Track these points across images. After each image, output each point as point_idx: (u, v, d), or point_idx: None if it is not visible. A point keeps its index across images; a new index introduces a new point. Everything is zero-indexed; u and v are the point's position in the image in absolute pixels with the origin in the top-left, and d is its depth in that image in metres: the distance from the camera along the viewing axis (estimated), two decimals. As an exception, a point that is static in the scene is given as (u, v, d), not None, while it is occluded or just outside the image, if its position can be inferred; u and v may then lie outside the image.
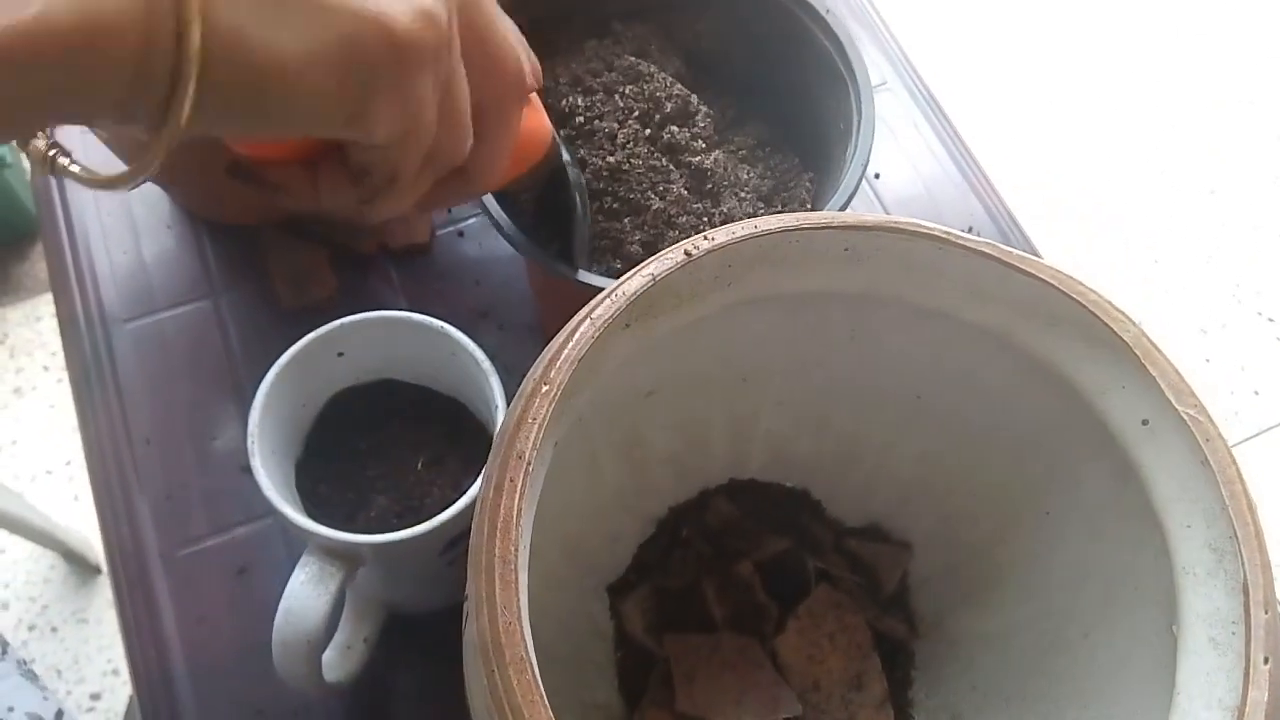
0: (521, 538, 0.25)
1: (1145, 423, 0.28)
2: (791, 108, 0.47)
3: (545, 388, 0.26)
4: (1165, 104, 1.54)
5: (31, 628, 1.01)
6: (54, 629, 1.02)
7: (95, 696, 1.00)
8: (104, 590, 1.06)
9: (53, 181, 0.56)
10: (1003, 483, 0.39)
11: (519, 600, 0.24)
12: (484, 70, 0.29)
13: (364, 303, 0.52)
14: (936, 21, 1.57)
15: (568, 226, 0.40)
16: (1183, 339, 1.33)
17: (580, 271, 0.39)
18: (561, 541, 0.40)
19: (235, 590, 0.46)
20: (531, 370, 0.27)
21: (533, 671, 0.23)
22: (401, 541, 0.36)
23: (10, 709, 0.34)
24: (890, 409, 0.41)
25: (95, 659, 1.02)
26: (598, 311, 0.27)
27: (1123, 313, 0.28)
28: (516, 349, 0.49)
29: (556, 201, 0.40)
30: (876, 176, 0.57)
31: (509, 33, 0.30)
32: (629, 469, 0.42)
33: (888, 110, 0.59)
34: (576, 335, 0.27)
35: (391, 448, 0.42)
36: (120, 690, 1.01)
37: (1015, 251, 0.29)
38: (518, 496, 0.25)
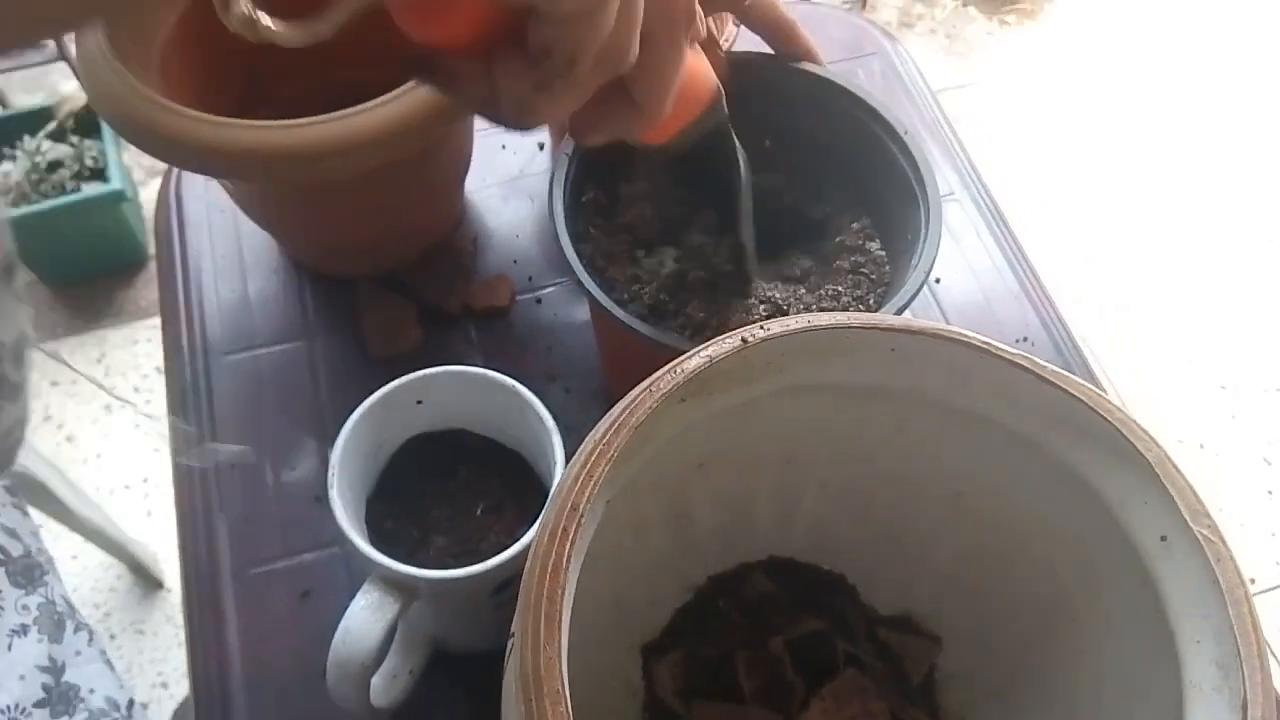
0: (568, 582, 0.27)
1: (1163, 539, 0.30)
2: (869, 212, 0.51)
3: (605, 449, 0.29)
4: (1236, 230, 1.54)
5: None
6: (112, 636, 1.07)
7: (143, 705, 1.03)
8: (163, 605, 1.11)
9: (173, 217, 0.61)
10: (1035, 588, 0.40)
11: (560, 638, 0.26)
12: None
13: (445, 357, 0.55)
14: (1008, 136, 1.60)
15: (731, 186, 0.41)
16: (1245, 468, 1.31)
17: (644, 327, 0.42)
18: (603, 598, 0.42)
19: (298, 611, 0.49)
20: (593, 432, 0.30)
21: (567, 705, 0.25)
22: (455, 579, 0.38)
23: (91, 690, 0.37)
24: (931, 504, 0.43)
25: (147, 670, 1.06)
26: (658, 384, 0.30)
27: (1146, 432, 0.30)
28: (579, 412, 0.53)
29: (717, 160, 0.41)
30: (938, 281, 0.60)
31: None
32: (675, 536, 0.44)
33: (953, 218, 0.62)
34: (636, 403, 0.30)
35: (456, 493, 0.45)
36: (166, 704, 1.04)
37: (1049, 366, 0.31)
38: (569, 544, 0.27)
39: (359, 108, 0.44)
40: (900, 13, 1.71)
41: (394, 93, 0.45)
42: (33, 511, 0.85)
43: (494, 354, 0.56)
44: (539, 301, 0.58)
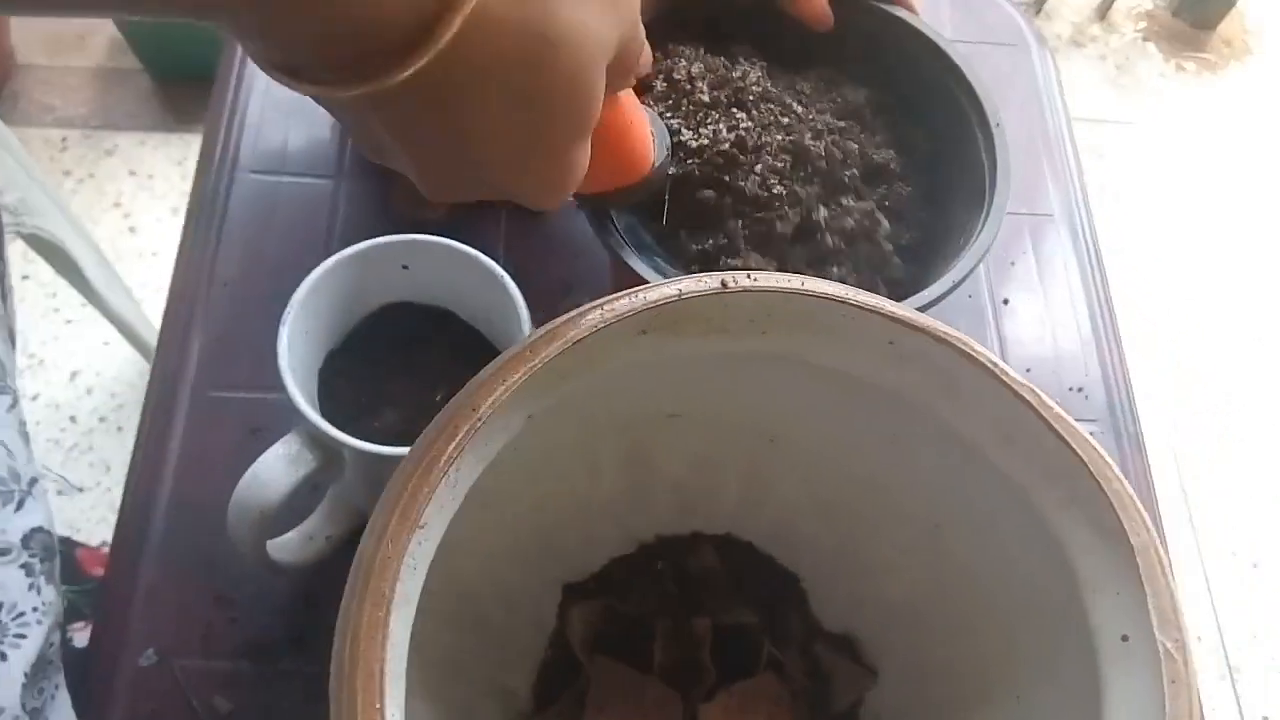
0: (440, 487, 0.24)
1: (1125, 638, 0.26)
2: (934, 193, 0.46)
3: (528, 354, 0.26)
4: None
5: (102, 419, 1.08)
6: (119, 428, 1.09)
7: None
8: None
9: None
10: (985, 651, 0.36)
11: (409, 546, 0.23)
12: None
13: (465, 236, 0.52)
14: (1151, 186, 1.49)
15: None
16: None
17: (631, 257, 0.38)
18: (536, 523, 0.39)
19: (242, 446, 0.47)
20: (526, 336, 0.27)
21: (386, 614, 0.22)
22: (378, 455, 0.36)
23: None
24: (906, 528, 0.39)
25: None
26: (613, 305, 0.27)
27: (1142, 514, 0.25)
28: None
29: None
30: (1005, 302, 0.55)
31: None
32: (631, 481, 0.41)
33: (1044, 242, 0.57)
34: (582, 316, 0.26)
35: (422, 370, 0.43)
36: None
37: (1056, 408, 0.27)
38: (451, 444, 0.24)
39: None
40: (1075, 29, 1.60)
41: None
42: (62, 287, 0.86)
43: (517, 247, 0.53)
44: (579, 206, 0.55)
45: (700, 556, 0.43)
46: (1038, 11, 1.59)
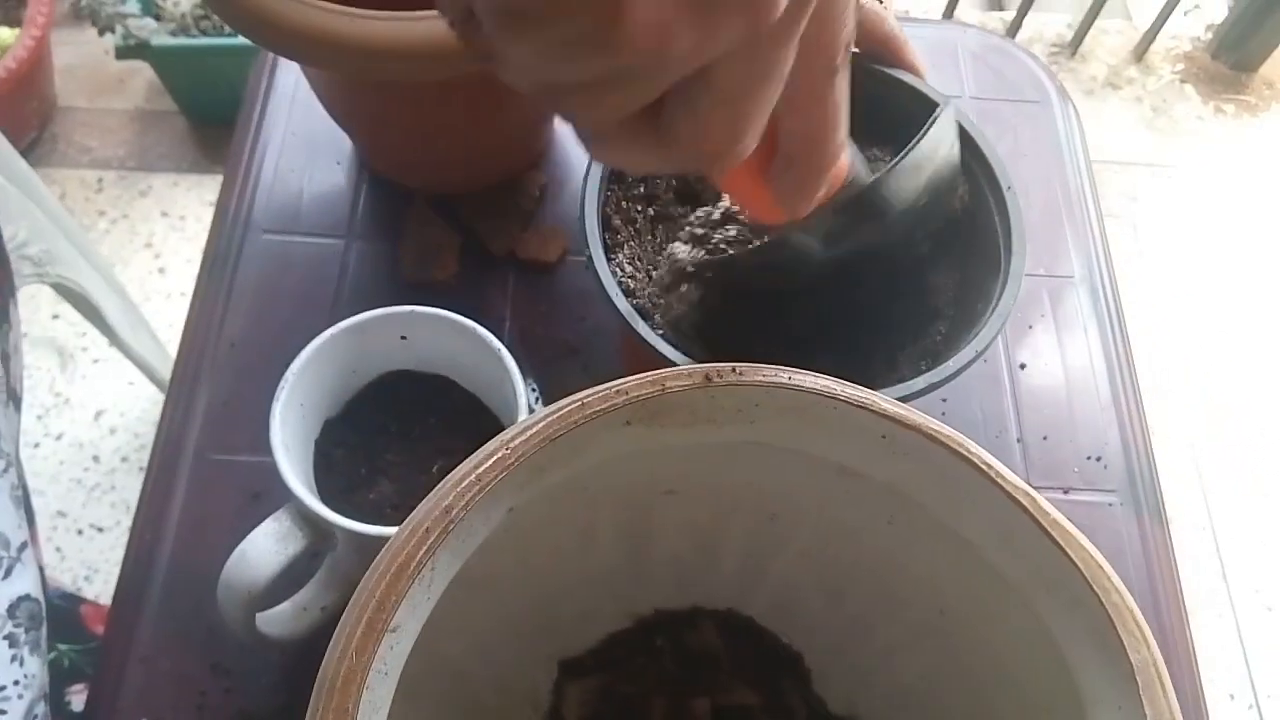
0: (411, 593, 0.24)
1: (1128, 757, 0.25)
2: (956, 267, 0.45)
3: (504, 457, 0.25)
4: None
5: (124, 459, 1.09)
6: (141, 469, 1.09)
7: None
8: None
9: (263, 82, 0.60)
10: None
11: (373, 660, 0.23)
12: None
13: (474, 296, 0.52)
14: (1187, 232, 1.45)
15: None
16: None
17: (653, 337, 0.38)
18: (529, 599, 0.38)
19: (243, 511, 0.47)
20: (503, 434, 0.26)
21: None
22: (368, 536, 0.35)
23: None
24: (913, 610, 0.37)
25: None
26: (592, 400, 0.26)
27: (1142, 630, 0.24)
28: (586, 395, 0.49)
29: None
30: (1022, 367, 0.53)
31: None
32: (629, 554, 0.40)
33: (1063, 305, 0.55)
34: (561, 415, 0.26)
35: (419, 441, 0.42)
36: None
37: (1053, 513, 0.26)
38: (422, 550, 0.24)
39: (427, 13, 0.40)
40: (1110, 71, 1.58)
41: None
42: (90, 327, 0.87)
43: (524, 308, 0.52)
44: (588, 268, 0.54)
45: (700, 633, 0.42)
46: (1073, 54, 1.57)
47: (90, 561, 1.02)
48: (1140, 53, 1.59)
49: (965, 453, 0.27)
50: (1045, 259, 0.57)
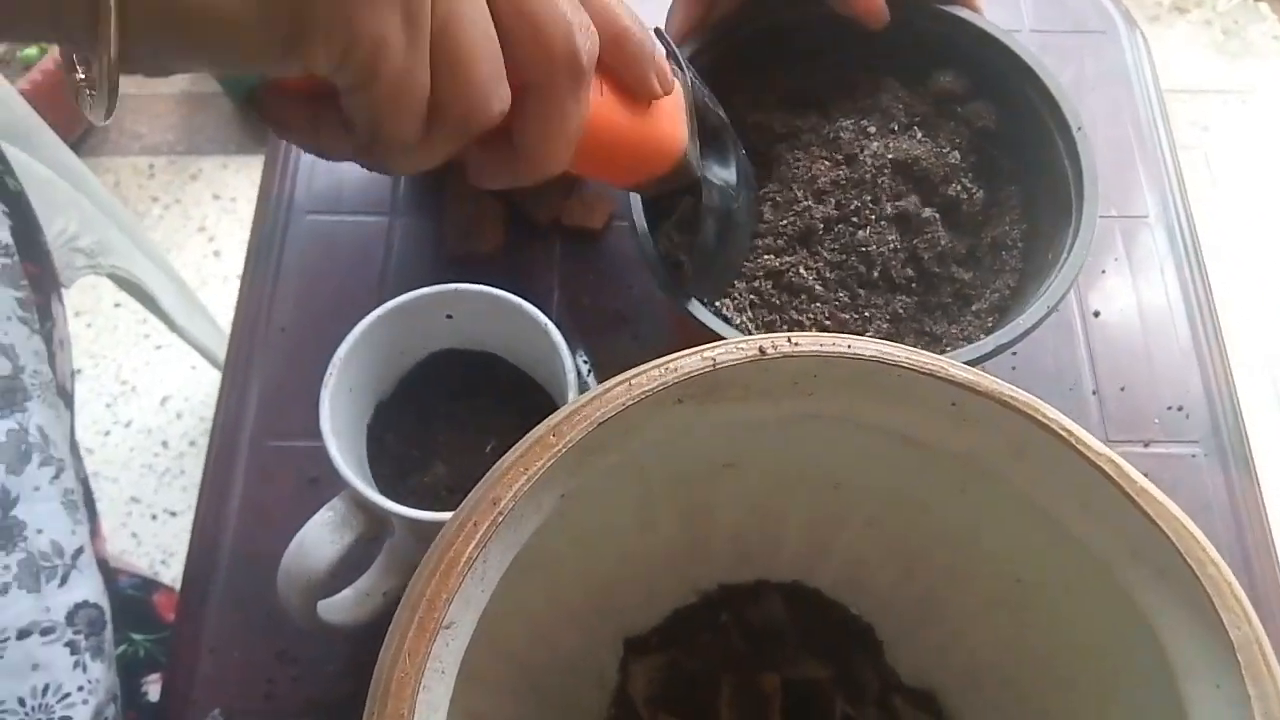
0: (464, 588, 0.23)
1: (1231, 738, 0.23)
2: (1024, 216, 0.43)
3: (550, 441, 0.24)
4: None
5: (192, 443, 1.11)
6: (209, 451, 1.11)
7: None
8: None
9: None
10: (1077, 716, 0.33)
11: (429, 654, 0.22)
12: (520, 39, 0.27)
13: (520, 267, 0.51)
14: (1269, 161, 1.38)
15: (690, 251, 0.38)
16: None
17: (693, 303, 0.37)
18: (590, 580, 0.38)
19: (301, 496, 0.47)
20: (549, 418, 0.25)
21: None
22: (424, 522, 0.35)
23: (39, 530, 0.36)
24: (987, 580, 0.36)
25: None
26: (639, 380, 0.25)
27: (1240, 602, 0.22)
28: (639, 362, 0.48)
29: (691, 222, 0.38)
30: (1096, 315, 0.51)
31: (559, 4, 0.27)
32: (690, 530, 0.39)
33: (1138, 246, 0.52)
34: (606, 396, 0.25)
35: (471, 421, 0.42)
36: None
37: (1140, 481, 0.24)
38: (471, 544, 0.23)
39: None
40: (1177, -7, 1.50)
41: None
42: (153, 318, 0.88)
43: (571, 277, 0.51)
44: (634, 229, 0.53)
45: (766, 606, 0.41)
46: (1133, -24, 1.50)
47: (166, 546, 1.05)
48: (1209, -29, 1.51)
49: (1043, 419, 0.25)
50: (1117, 198, 0.54)
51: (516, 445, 0.25)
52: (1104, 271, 0.52)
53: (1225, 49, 1.45)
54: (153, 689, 0.47)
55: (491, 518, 0.24)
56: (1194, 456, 0.48)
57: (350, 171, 0.55)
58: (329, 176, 0.55)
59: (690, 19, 0.43)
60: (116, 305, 1.19)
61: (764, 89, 0.45)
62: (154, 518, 1.06)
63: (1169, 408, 0.48)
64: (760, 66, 0.45)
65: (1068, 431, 0.25)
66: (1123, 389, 0.49)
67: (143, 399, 1.14)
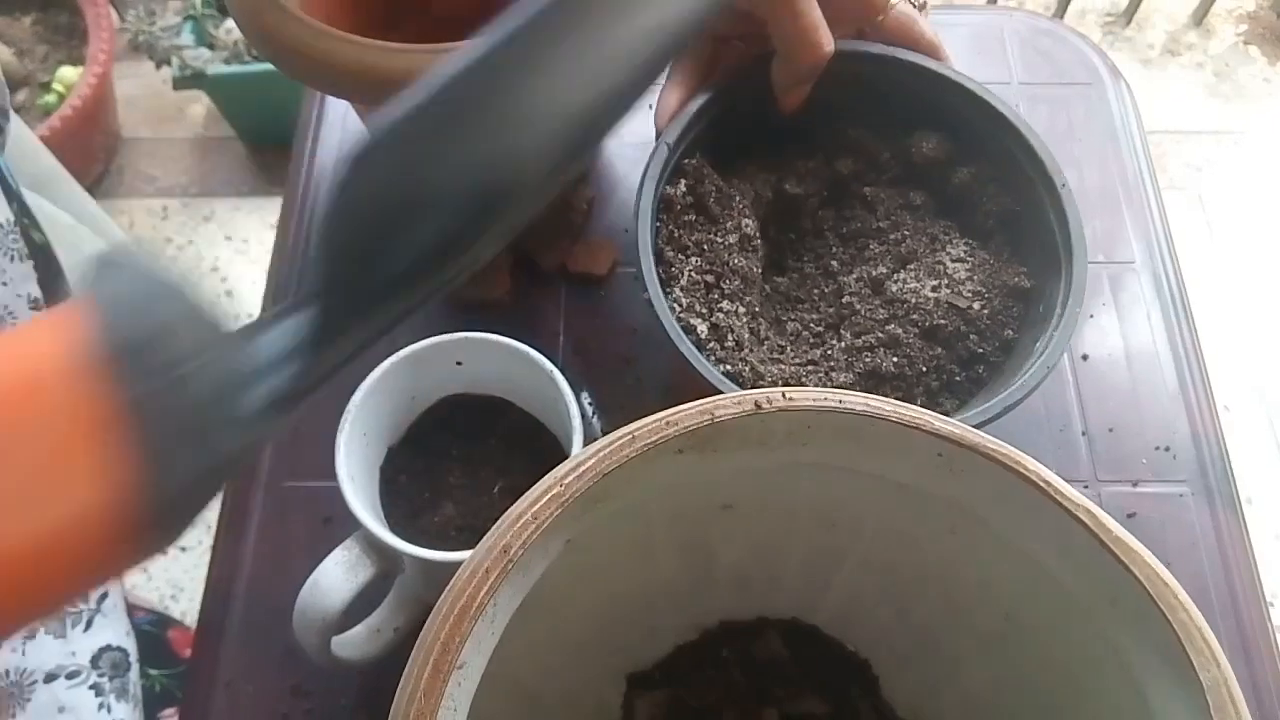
0: (475, 631, 0.24)
1: (1202, 774, 0.24)
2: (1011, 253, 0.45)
3: (559, 493, 0.26)
4: None
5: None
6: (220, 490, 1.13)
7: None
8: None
9: (315, 109, 0.61)
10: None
11: (443, 694, 0.23)
12: None
13: (528, 312, 0.53)
14: (1257, 202, 1.40)
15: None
16: None
17: (705, 368, 0.38)
18: (594, 617, 0.39)
19: (316, 536, 0.48)
20: (556, 470, 0.27)
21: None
22: (436, 562, 0.36)
23: None
24: (979, 617, 0.37)
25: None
26: (641, 433, 0.27)
27: (1210, 646, 0.24)
28: (639, 405, 0.49)
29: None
30: (1084, 358, 0.52)
31: None
32: (690, 568, 0.40)
33: (1124, 292, 0.54)
34: (609, 449, 0.26)
35: (481, 464, 0.43)
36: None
37: (1115, 528, 0.26)
38: (483, 590, 0.24)
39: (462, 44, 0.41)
40: (1169, 38, 1.53)
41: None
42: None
43: (575, 322, 0.53)
44: (638, 278, 0.55)
45: (766, 643, 0.43)
46: (1128, 23, 1.53)
47: (175, 580, 1.06)
48: (1200, 16, 1.53)
49: (1022, 470, 0.26)
50: (1104, 245, 0.56)
51: (525, 495, 0.27)
52: (1092, 316, 0.54)
53: (1217, 91, 1.48)
54: (169, 724, 0.49)
55: (502, 566, 0.25)
56: (1181, 496, 0.49)
57: (363, 220, 0.57)
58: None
59: (681, 101, 0.45)
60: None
61: (760, 166, 0.47)
62: (164, 553, 1.07)
63: (1156, 448, 0.50)
64: (747, 146, 0.47)
65: (1045, 482, 0.26)
66: (1111, 430, 0.50)
67: (153, 437, 1.16)
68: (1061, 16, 1.44)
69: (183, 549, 1.08)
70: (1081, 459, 0.49)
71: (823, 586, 0.41)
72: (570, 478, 0.26)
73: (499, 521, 0.26)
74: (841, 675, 0.42)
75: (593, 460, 0.26)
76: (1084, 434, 0.50)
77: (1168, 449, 0.50)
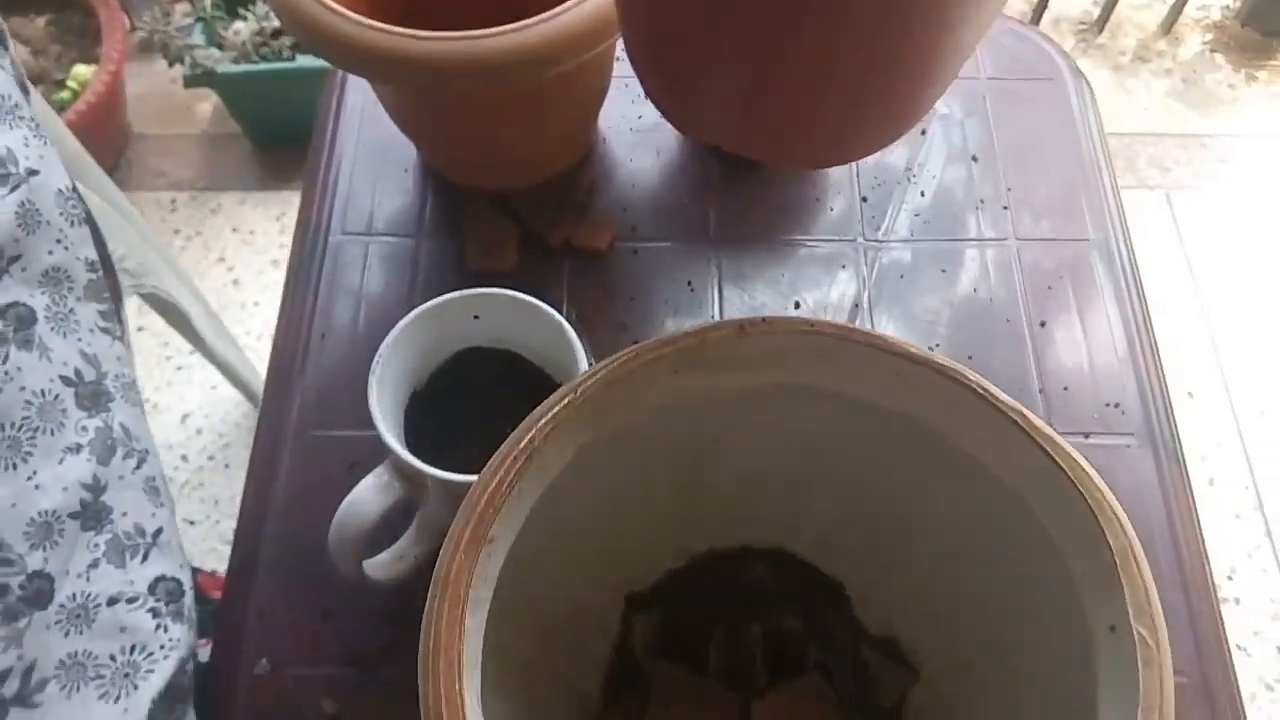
0: (507, 511, 0.29)
1: (1112, 629, 0.29)
2: None
3: (576, 396, 0.30)
4: None
5: (211, 457, 1.17)
6: (226, 465, 1.17)
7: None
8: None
9: (334, 101, 0.66)
10: (1015, 646, 0.39)
11: (477, 567, 0.28)
12: None
13: (533, 283, 0.58)
14: (1214, 202, 1.47)
15: None
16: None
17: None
18: (598, 539, 0.44)
19: (342, 480, 0.52)
20: (570, 381, 0.31)
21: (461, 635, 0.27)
22: (456, 482, 0.41)
23: (124, 514, 0.42)
24: (933, 537, 0.42)
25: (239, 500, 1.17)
26: (644, 350, 0.31)
27: (1120, 518, 0.29)
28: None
29: None
30: (1042, 325, 0.58)
31: None
32: (684, 498, 0.45)
33: (1080, 267, 0.59)
34: (619, 361, 0.31)
35: (494, 408, 0.48)
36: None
37: (1044, 427, 0.31)
38: (511, 473, 0.29)
39: (541, 17, 0.45)
40: (1140, 45, 1.60)
41: (569, 3, 0.46)
42: (173, 337, 0.94)
43: (579, 292, 0.58)
44: (635, 253, 0.60)
45: (751, 568, 0.47)
46: (1100, 30, 1.59)
47: (185, 551, 1.10)
48: (1169, 25, 1.60)
49: (965, 380, 0.31)
50: (1063, 225, 0.61)
51: (545, 401, 0.32)
52: (1050, 288, 0.59)
53: (1185, 96, 1.54)
54: (202, 651, 0.53)
55: (526, 454, 0.30)
56: (1129, 447, 0.54)
57: (380, 198, 0.61)
58: (361, 203, 0.61)
59: None
60: (140, 329, 1.26)
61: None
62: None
63: (1107, 405, 0.55)
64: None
65: (984, 389, 0.31)
66: (1066, 388, 0.55)
67: (164, 416, 1.21)
68: (1037, 23, 1.50)
69: (191, 523, 1.12)
70: (1038, 412, 0.54)
71: (803, 514, 0.46)
72: (582, 385, 0.31)
73: (523, 423, 0.31)
74: (819, 597, 0.46)
75: (602, 371, 0.31)
76: (1041, 391, 0.55)
77: (1117, 405, 0.55)
